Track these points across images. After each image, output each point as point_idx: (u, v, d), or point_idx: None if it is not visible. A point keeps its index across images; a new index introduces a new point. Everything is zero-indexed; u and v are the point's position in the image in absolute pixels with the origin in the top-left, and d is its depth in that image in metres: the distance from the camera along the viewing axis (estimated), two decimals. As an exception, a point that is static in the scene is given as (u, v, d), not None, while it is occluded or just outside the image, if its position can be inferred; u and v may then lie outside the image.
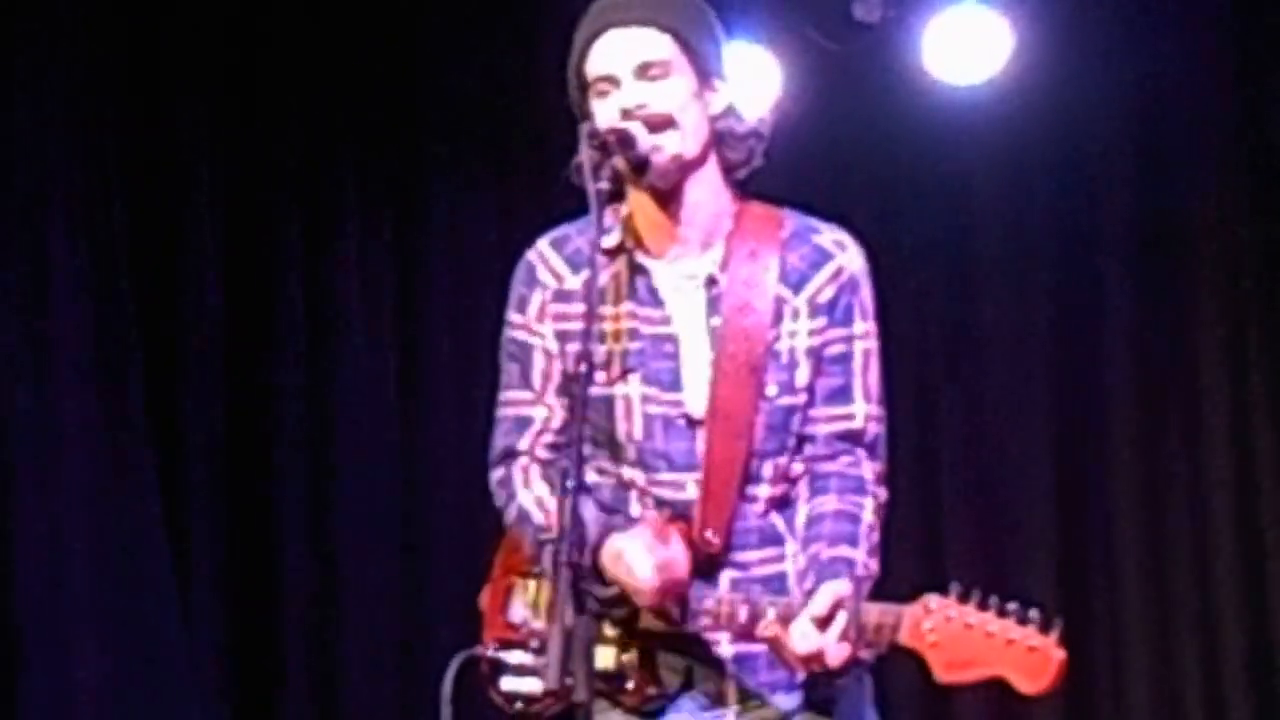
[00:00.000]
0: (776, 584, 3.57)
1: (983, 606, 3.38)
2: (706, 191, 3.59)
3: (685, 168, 3.54)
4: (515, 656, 3.71)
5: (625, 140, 3.48)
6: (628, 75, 3.53)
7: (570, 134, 3.52)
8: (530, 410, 3.68)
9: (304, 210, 6.33)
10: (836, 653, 3.41)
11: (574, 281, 3.62)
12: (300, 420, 6.23)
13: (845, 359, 3.62)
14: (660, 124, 3.51)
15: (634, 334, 3.59)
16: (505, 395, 3.70)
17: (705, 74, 3.56)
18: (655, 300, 3.60)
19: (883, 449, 3.66)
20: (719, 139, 3.59)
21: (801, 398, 3.60)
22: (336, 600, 6.25)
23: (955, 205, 6.59)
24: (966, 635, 3.38)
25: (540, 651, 3.62)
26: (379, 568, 6.30)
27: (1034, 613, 3.35)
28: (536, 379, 3.66)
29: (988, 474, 6.57)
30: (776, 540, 3.61)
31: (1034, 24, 6.23)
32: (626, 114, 3.50)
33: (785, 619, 3.43)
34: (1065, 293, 6.56)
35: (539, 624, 3.69)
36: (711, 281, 3.60)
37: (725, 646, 3.58)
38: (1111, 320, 6.48)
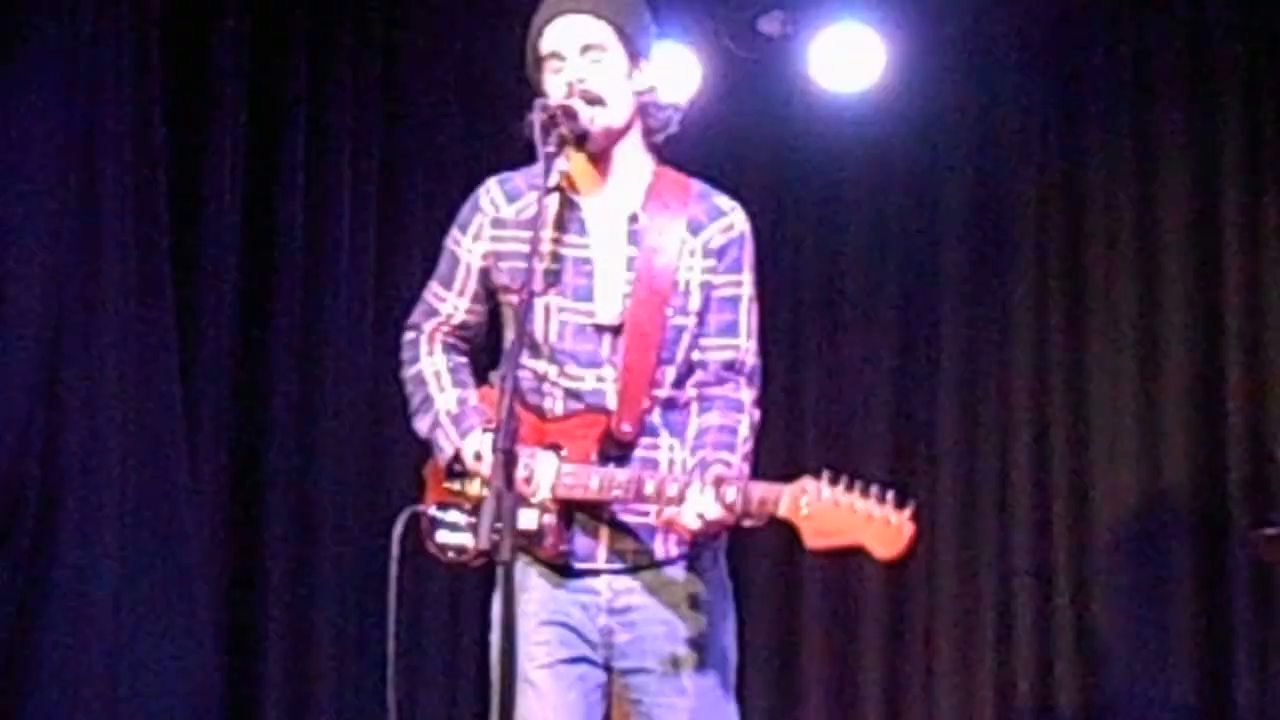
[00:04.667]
0: (651, 466, 3.99)
1: (849, 488, 3.65)
2: (630, 151, 4.06)
3: (613, 135, 4.00)
4: (451, 515, 4.03)
5: (570, 114, 3.91)
6: (573, 54, 3.96)
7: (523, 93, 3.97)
8: (441, 305, 4.17)
9: (307, 134, 6.52)
10: (720, 517, 3.76)
11: (508, 211, 4.06)
12: (294, 322, 6.50)
13: (734, 301, 4.06)
14: (594, 100, 3.95)
15: (557, 256, 4.00)
16: (431, 285, 4.19)
17: (635, 56, 4.00)
18: (582, 230, 4.00)
19: (758, 379, 4.09)
20: (642, 110, 4.04)
21: (691, 319, 4.02)
22: (315, 488, 6.46)
23: (829, 191, 7.02)
24: (834, 510, 3.63)
25: (473, 513, 3.98)
26: (353, 459, 6.58)
27: (890, 493, 3.64)
28: (455, 284, 4.13)
29: (839, 402, 7.04)
30: (654, 432, 4.02)
31: (905, 40, 6.64)
32: (570, 85, 3.93)
33: (681, 495, 3.78)
34: (909, 263, 6.98)
35: (471, 490, 4.03)
36: (633, 218, 4.01)
37: (626, 514, 3.99)
38: (945, 288, 6.95)
